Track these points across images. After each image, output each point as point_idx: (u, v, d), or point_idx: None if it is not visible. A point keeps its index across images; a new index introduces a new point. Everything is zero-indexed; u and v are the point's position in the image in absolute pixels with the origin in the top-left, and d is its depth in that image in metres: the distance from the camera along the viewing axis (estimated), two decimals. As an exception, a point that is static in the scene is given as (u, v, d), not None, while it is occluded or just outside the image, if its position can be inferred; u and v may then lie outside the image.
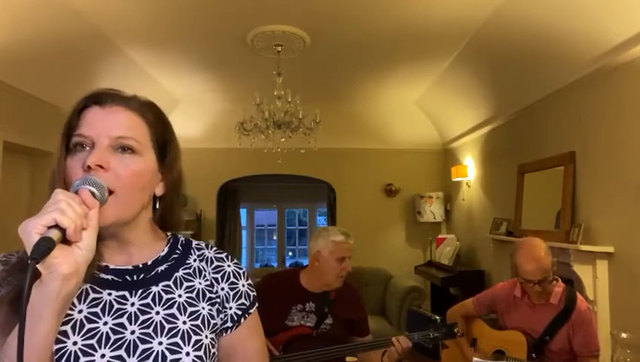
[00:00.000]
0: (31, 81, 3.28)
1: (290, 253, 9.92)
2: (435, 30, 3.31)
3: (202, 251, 0.87)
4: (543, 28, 2.81)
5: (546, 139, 3.36)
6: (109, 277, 0.76)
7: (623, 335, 1.75)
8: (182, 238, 0.88)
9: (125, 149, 0.74)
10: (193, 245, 0.88)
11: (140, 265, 0.79)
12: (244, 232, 8.94)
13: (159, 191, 0.81)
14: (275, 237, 9.68)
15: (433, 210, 5.39)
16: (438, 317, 1.98)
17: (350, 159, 5.70)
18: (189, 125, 5.19)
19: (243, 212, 8.84)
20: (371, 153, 5.69)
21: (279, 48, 3.59)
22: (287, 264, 9.14)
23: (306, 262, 2.11)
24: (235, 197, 8.10)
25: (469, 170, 4.86)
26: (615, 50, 2.50)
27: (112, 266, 0.77)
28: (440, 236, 5.30)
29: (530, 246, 2.02)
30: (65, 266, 0.59)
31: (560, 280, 2.09)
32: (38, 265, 0.56)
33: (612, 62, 2.57)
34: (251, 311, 0.86)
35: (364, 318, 2.15)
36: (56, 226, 0.58)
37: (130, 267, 0.78)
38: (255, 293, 0.88)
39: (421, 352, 1.98)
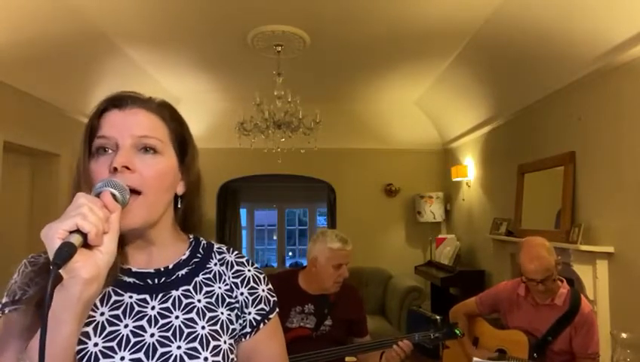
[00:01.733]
0: (31, 81, 3.28)
1: (290, 253, 9.92)
2: (434, 30, 3.31)
3: (223, 255, 0.87)
4: (543, 28, 2.81)
5: (546, 139, 3.36)
6: (131, 280, 0.77)
7: (623, 335, 1.75)
8: (203, 241, 0.88)
9: (148, 149, 0.75)
10: (214, 248, 0.88)
11: (162, 269, 0.80)
12: (244, 232, 8.94)
13: (180, 190, 0.81)
14: (275, 238, 9.68)
15: (433, 210, 5.39)
16: (438, 317, 1.97)
17: (350, 159, 5.69)
18: (189, 125, 5.16)
19: (243, 212, 8.84)
20: (371, 153, 5.69)
21: (279, 48, 3.59)
22: (287, 264, 9.14)
23: (305, 262, 2.11)
24: (235, 197, 8.10)
25: (469, 170, 4.86)
26: (615, 50, 2.51)
27: (134, 269, 0.78)
28: (440, 236, 5.29)
29: (533, 245, 2.02)
30: (86, 271, 0.59)
31: (565, 281, 2.09)
32: (59, 270, 0.57)
33: (612, 62, 2.57)
34: (271, 316, 0.86)
35: (363, 319, 2.14)
36: (78, 231, 0.59)
37: (151, 270, 0.79)
38: (275, 298, 0.88)
39: (421, 352, 1.98)
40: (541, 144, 3.42)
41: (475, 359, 1.81)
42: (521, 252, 2.04)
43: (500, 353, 2.13)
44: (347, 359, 2.10)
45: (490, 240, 4.06)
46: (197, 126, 5.37)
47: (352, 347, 1.95)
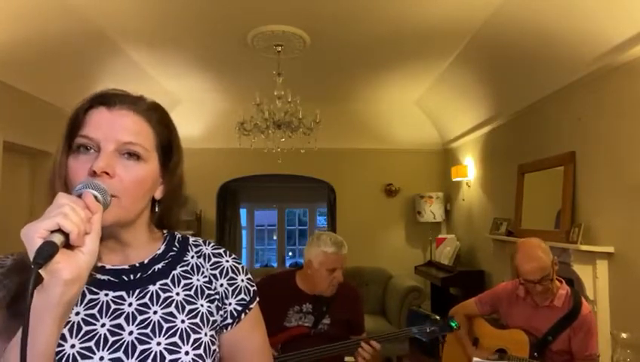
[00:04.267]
0: (31, 81, 3.28)
1: (290, 253, 9.91)
2: (435, 30, 3.31)
3: (200, 247, 0.86)
4: (543, 28, 2.81)
5: (546, 139, 3.36)
6: (106, 277, 0.76)
7: (623, 335, 1.75)
8: (179, 235, 0.87)
9: (131, 155, 0.73)
10: (190, 241, 0.87)
11: (137, 264, 0.79)
12: (244, 232, 8.93)
13: (158, 194, 0.80)
14: (275, 237, 9.67)
15: (433, 210, 5.39)
16: (438, 317, 1.97)
17: (350, 159, 5.69)
18: (189, 125, 5.18)
19: (243, 212, 8.83)
20: (371, 153, 5.69)
21: (279, 48, 3.59)
22: (287, 264, 9.13)
23: (305, 262, 2.11)
24: (235, 197, 8.09)
25: (469, 170, 4.86)
26: (615, 50, 2.51)
27: (108, 266, 0.77)
28: (440, 236, 5.30)
29: (529, 246, 2.03)
30: (67, 271, 0.58)
31: (564, 282, 2.09)
32: (40, 271, 0.55)
33: (612, 62, 2.57)
34: (252, 306, 0.85)
35: (360, 317, 2.14)
36: (59, 231, 0.57)
37: (126, 266, 0.78)
38: (255, 288, 0.87)
39: (421, 352, 1.98)
40: (541, 144, 3.42)
41: (475, 359, 1.81)
42: (517, 253, 2.05)
43: (501, 353, 2.13)
44: (347, 359, 2.10)
45: (490, 240, 4.06)
46: (197, 126, 5.38)
47: (346, 343, 1.94)
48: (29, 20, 2.77)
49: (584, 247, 2.67)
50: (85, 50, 3.40)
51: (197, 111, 5.29)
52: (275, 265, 9.24)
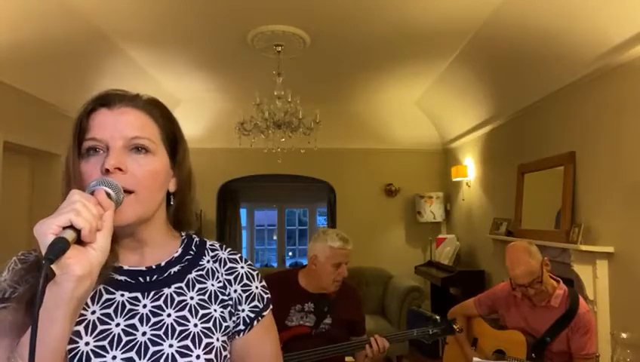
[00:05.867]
0: (31, 81, 3.28)
1: (290, 253, 9.92)
2: (435, 30, 3.31)
3: (216, 252, 0.87)
4: (543, 28, 2.81)
5: (546, 139, 3.36)
6: (123, 278, 0.77)
7: (623, 335, 1.75)
8: (196, 239, 0.88)
9: (139, 149, 0.74)
10: (207, 245, 0.87)
11: (154, 266, 0.80)
12: (244, 232, 8.94)
13: (172, 187, 0.81)
14: (275, 237, 9.68)
15: (433, 210, 5.39)
16: (438, 317, 1.98)
17: (350, 159, 5.70)
18: (189, 125, 5.15)
19: (243, 212, 8.85)
20: (371, 153, 5.69)
21: (279, 48, 3.59)
22: (287, 264, 9.14)
23: (305, 261, 2.11)
24: (235, 197, 8.10)
25: (469, 170, 4.86)
26: (615, 50, 2.51)
27: (125, 267, 0.78)
28: (440, 236, 5.30)
29: (515, 250, 2.05)
30: (78, 267, 0.59)
31: (561, 282, 2.09)
32: (52, 266, 0.56)
33: (612, 62, 2.57)
34: (265, 313, 0.85)
35: (361, 319, 2.15)
36: (71, 227, 0.58)
37: (143, 268, 0.79)
38: (269, 295, 0.87)
39: (421, 352, 1.98)
40: (541, 144, 3.42)
41: (475, 359, 1.81)
42: (506, 260, 2.07)
43: (499, 354, 2.13)
44: (347, 359, 2.10)
45: (490, 240, 4.06)
46: (197, 126, 5.38)
47: (347, 344, 1.95)
48: (30, 21, 2.77)
49: (584, 247, 2.67)
50: (85, 51, 3.40)
51: (197, 111, 5.28)
52: (275, 265, 9.25)
